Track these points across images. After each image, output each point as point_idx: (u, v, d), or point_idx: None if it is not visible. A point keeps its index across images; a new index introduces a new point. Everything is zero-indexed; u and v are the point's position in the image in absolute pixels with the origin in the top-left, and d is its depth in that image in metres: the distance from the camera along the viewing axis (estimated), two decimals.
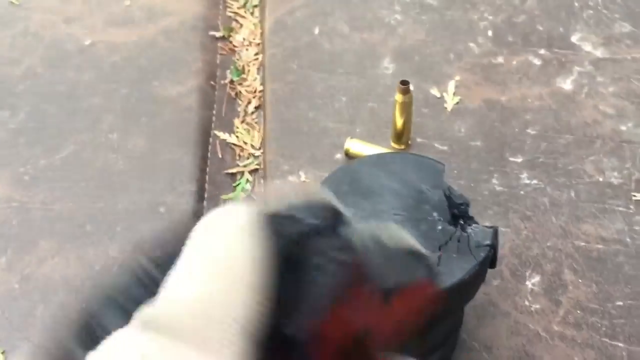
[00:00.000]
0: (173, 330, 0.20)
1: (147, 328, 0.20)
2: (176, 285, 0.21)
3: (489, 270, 0.53)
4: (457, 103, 0.66)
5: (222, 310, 0.21)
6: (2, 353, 0.49)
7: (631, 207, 0.57)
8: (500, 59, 0.70)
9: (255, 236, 0.22)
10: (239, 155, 0.65)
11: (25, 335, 0.50)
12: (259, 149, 0.65)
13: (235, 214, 0.23)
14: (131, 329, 0.21)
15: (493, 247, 0.41)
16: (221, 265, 0.21)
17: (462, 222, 0.42)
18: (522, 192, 0.58)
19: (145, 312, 0.21)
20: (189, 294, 0.21)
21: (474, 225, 0.42)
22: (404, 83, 0.58)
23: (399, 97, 0.59)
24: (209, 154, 0.64)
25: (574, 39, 0.71)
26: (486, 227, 0.41)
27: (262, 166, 0.63)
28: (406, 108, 0.60)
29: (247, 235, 0.22)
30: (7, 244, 0.56)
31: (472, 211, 0.56)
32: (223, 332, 0.20)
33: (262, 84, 0.71)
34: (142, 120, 0.66)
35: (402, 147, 0.62)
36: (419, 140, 0.63)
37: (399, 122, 0.60)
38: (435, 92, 0.67)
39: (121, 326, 0.21)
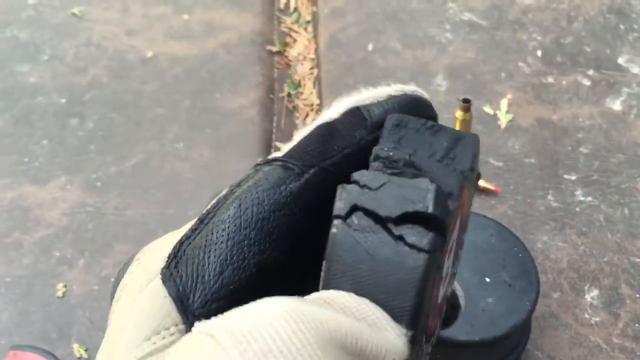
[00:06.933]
0: (336, 306, 0.20)
1: (304, 301, 0.19)
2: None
3: (549, 283, 0.55)
4: (510, 121, 0.68)
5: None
6: (86, 350, 0.51)
7: None
8: (550, 79, 0.72)
9: None
10: None
11: None
12: None
13: None
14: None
15: None
16: None
17: None
18: (577, 209, 0.61)
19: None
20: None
21: None
22: (466, 101, 0.60)
23: (459, 114, 0.61)
24: None
25: (621, 60, 0.74)
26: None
27: None
28: (466, 125, 0.62)
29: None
30: (84, 247, 0.58)
31: (529, 226, 0.58)
32: (385, 315, 0.20)
33: (319, 98, 0.73)
34: (207, 131, 0.68)
35: None
36: None
37: None
38: (488, 109, 0.69)
39: None
